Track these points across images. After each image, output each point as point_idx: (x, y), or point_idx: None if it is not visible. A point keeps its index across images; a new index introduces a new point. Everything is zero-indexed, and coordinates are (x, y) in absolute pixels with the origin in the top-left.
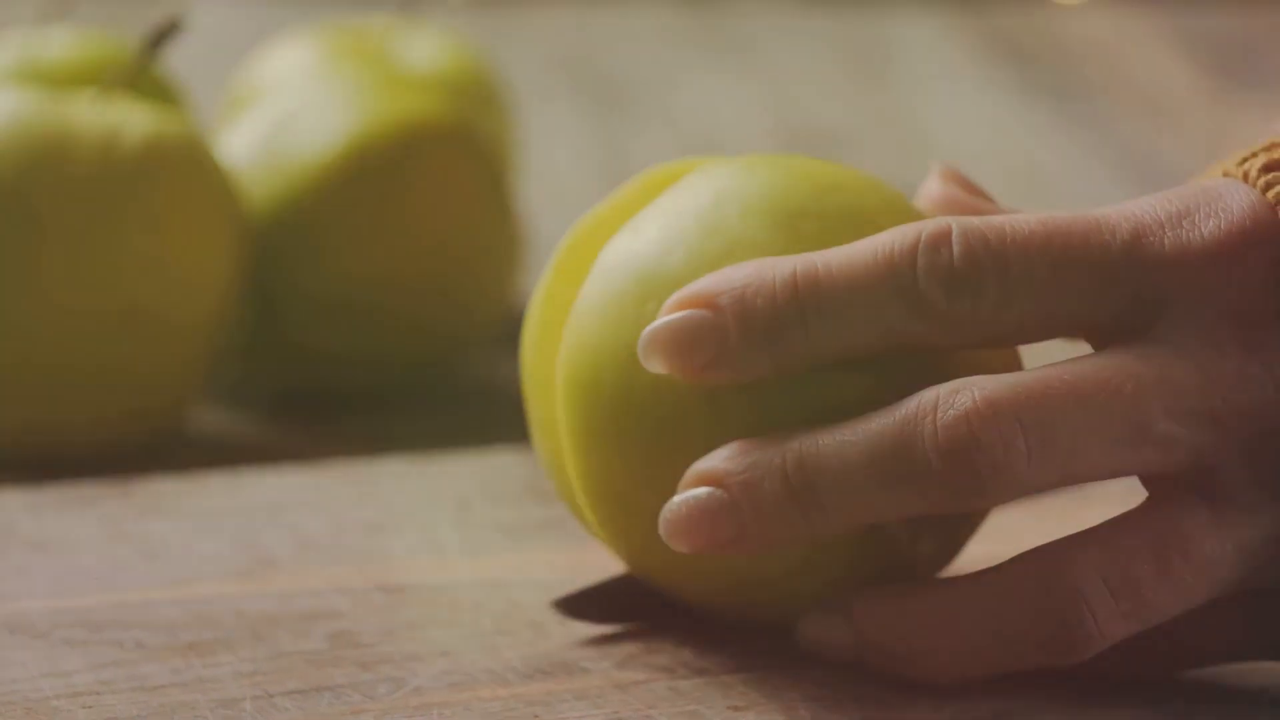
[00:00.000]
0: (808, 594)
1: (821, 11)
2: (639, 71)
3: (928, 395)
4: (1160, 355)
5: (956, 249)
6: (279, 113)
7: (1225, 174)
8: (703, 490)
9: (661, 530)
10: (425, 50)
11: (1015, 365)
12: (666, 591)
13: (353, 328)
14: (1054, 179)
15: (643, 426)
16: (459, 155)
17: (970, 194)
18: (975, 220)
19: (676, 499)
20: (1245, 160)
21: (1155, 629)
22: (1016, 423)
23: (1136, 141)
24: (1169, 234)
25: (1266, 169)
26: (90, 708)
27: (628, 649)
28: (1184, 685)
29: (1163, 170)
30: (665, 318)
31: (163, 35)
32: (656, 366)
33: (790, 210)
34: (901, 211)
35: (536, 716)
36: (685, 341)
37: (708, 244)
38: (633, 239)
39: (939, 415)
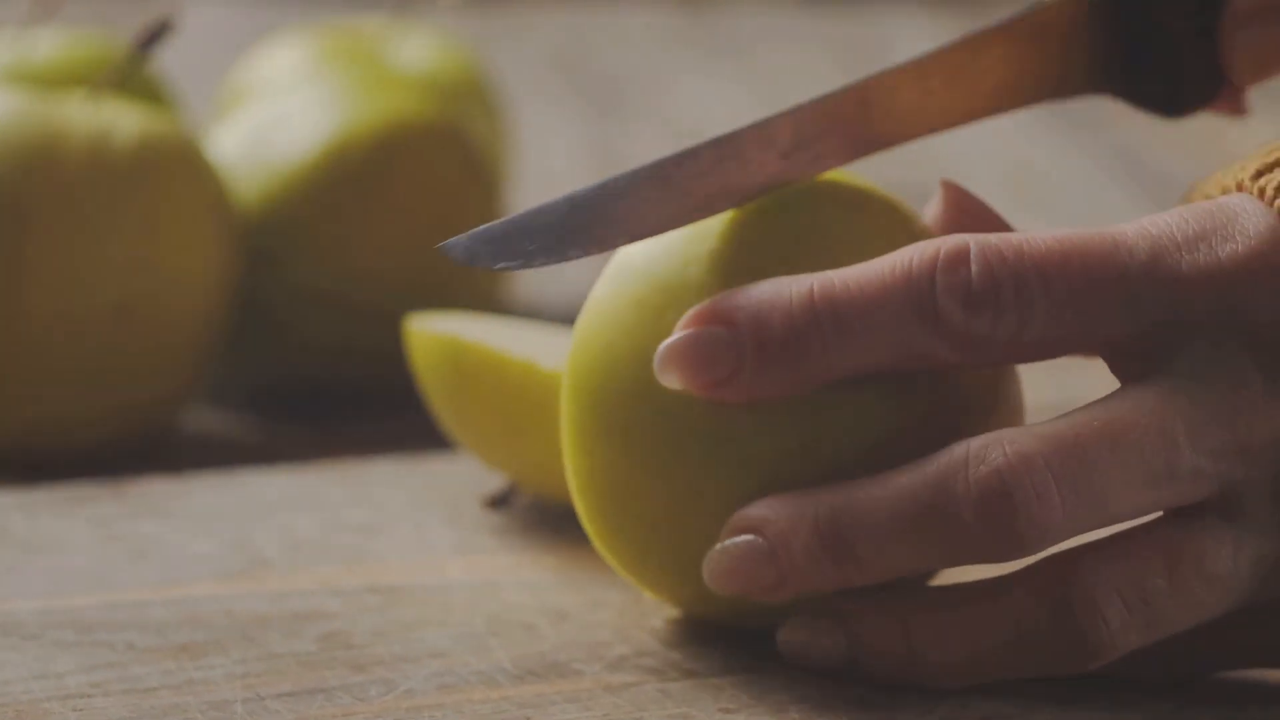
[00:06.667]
0: (800, 606)
1: (815, 11)
2: (633, 72)
3: (957, 451)
4: (1182, 390)
5: (975, 267)
6: (267, 113)
7: (1240, 187)
8: (743, 539)
9: (705, 574)
10: (419, 51)
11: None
12: (655, 592)
13: (340, 323)
14: (1049, 180)
15: (653, 429)
16: (442, 152)
17: (977, 210)
18: (993, 238)
19: (718, 547)
20: (1261, 175)
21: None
22: (1048, 475)
23: (1131, 142)
24: (1186, 256)
25: None
26: (81, 710)
27: (619, 651)
28: (1176, 686)
29: (1158, 172)
30: (681, 333)
31: (153, 36)
32: (671, 381)
33: (820, 232)
34: (922, 233)
35: (528, 718)
36: (701, 358)
37: (733, 258)
38: (654, 243)
39: (970, 472)
